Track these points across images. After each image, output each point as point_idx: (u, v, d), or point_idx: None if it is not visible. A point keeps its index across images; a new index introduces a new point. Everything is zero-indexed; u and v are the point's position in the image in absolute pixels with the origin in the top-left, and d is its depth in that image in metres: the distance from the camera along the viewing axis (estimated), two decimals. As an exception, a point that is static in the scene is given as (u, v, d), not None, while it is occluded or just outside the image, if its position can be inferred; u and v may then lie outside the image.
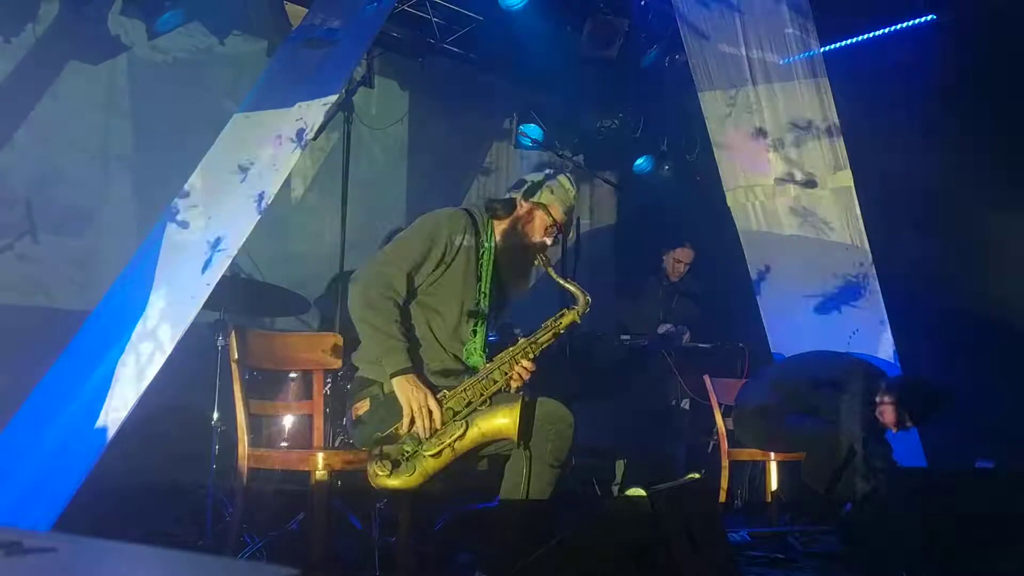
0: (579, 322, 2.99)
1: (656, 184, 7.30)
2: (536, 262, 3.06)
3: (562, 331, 2.96)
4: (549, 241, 3.07)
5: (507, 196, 3.10)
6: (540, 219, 3.02)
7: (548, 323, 2.96)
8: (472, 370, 2.93)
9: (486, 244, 3.01)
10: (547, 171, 3.16)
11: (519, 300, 3.27)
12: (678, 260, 5.95)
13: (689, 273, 6.03)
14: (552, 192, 3.04)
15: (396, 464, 2.70)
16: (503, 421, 2.71)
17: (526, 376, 2.88)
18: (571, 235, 3.12)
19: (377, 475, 2.71)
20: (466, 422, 2.74)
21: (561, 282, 3.04)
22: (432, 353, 2.94)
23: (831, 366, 4.44)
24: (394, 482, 2.70)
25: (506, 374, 2.86)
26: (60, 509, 3.00)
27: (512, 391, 2.88)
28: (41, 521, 2.96)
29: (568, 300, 3.05)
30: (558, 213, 3.04)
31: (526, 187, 3.07)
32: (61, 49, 4.98)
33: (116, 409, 3.11)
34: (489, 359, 2.92)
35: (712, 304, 6.08)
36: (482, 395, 2.82)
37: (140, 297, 3.30)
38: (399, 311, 2.86)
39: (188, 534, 3.56)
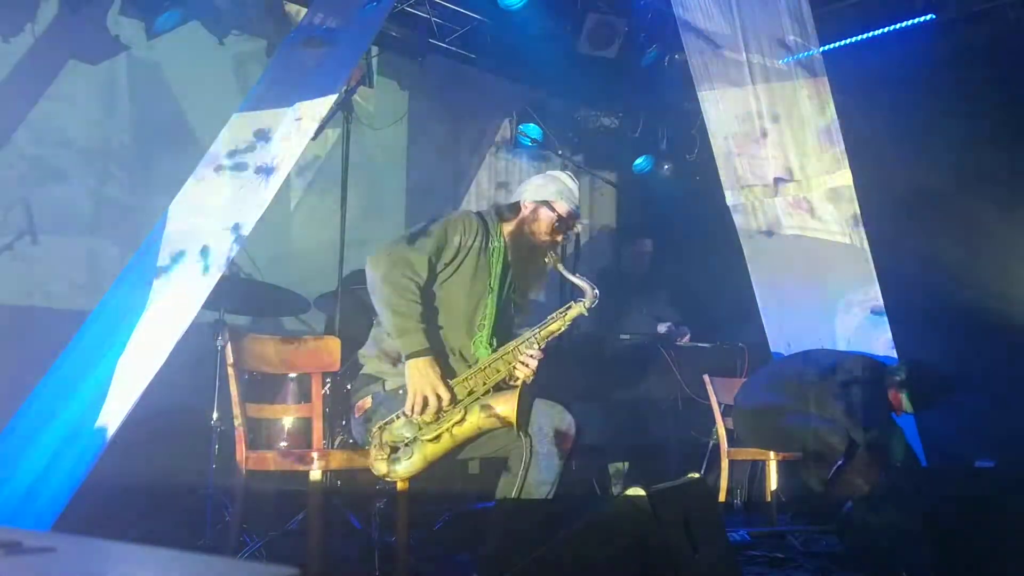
0: (586, 314, 3.01)
1: (656, 184, 7.30)
2: (547, 260, 3.08)
3: (568, 323, 2.97)
4: (558, 238, 3.11)
5: (512, 200, 3.16)
6: (545, 216, 3.06)
7: (554, 315, 2.97)
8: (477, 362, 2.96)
9: (495, 243, 3.05)
10: (548, 172, 3.24)
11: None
12: (643, 252, 5.98)
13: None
14: (554, 189, 3.10)
15: (395, 450, 2.73)
16: (502, 407, 2.74)
17: (532, 364, 2.88)
18: (578, 230, 3.20)
19: (377, 460, 2.74)
20: (464, 408, 2.77)
21: (570, 277, 3.06)
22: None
23: (831, 362, 4.44)
24: (395, 468, 2.74)
25: (509, 364, 2.88)
26: (60, 509, 3.00)
27: (516, 382, 2.87)
28: (41, 521, 2.96)
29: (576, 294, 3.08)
30: (563, 208, 3.08)
31: (529, 188, 3.14)
32: (60, 49, 4.97)
33: (116, 409, 3.11)
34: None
35: (712, 304, 6.07)
36: (484, 384, 2.85)
37: (140, 297, 3.30)
38: (420, 294, 2.86)
39: (188, 534, 3.56)
